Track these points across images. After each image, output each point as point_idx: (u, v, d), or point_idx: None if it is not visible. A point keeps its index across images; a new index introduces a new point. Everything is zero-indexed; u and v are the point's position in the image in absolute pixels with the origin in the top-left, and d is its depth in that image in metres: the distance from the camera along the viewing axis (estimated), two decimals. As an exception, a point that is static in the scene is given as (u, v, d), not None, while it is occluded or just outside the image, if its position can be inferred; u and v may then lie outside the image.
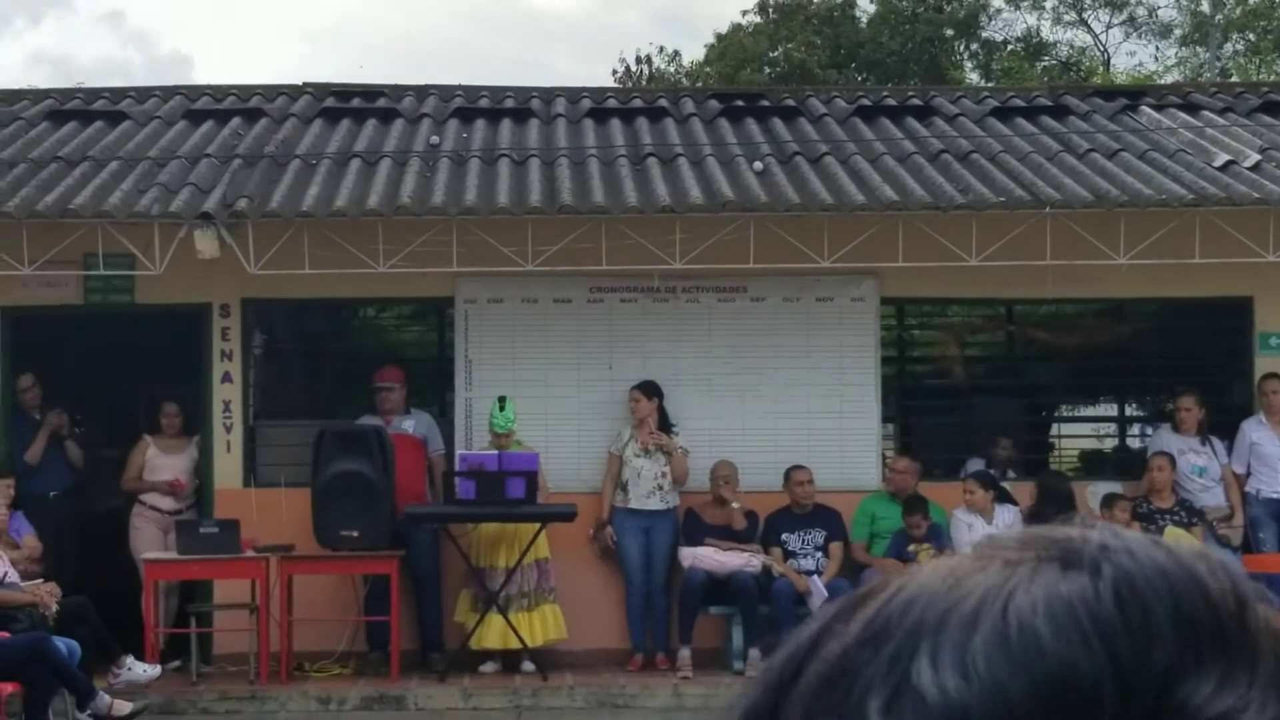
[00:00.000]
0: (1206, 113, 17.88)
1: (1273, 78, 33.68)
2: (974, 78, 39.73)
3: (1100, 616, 0.84)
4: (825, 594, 14.26)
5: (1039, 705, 0.82)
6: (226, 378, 15.92)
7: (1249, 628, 0.85)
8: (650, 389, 15.49)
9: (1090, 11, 42.26)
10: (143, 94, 18.27)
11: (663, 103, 18.18)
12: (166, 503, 15.73)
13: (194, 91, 18.36)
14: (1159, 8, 42.10)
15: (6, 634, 13.05)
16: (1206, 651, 0.83)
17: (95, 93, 18.52)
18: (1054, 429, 18.08)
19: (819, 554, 15.22)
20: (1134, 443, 17.52)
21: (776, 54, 39.54)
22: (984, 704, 0.82)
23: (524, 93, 18.42)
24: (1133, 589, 0.85)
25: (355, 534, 14.56)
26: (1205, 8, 39.43)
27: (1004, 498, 15.30)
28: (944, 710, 0.82)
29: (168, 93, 18.30)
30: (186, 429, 15.95)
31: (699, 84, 34.62)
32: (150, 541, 15.49)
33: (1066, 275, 15.25)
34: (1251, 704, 0.82)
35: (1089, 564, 0.86)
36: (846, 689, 0.85)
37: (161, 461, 15.79)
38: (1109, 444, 18.15)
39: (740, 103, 18.24)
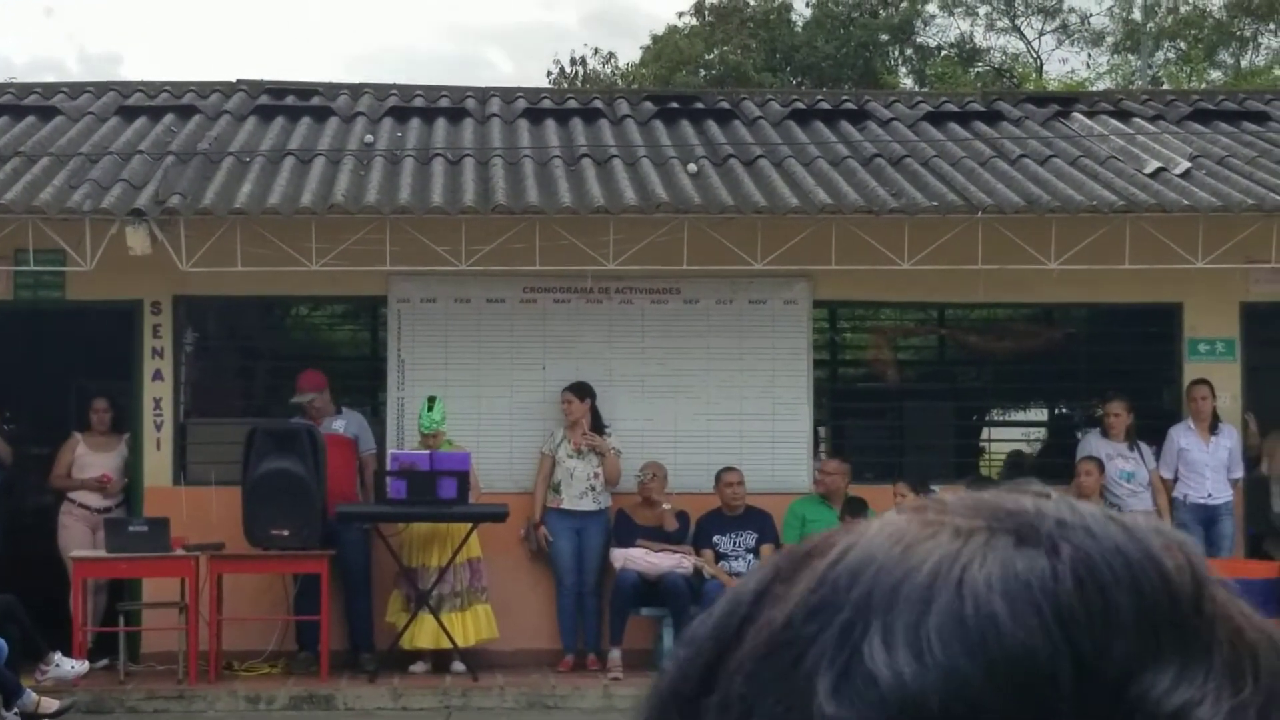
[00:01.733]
0: (1138, 120, 18.01)
1: (1204, 86, 33.93)
2: (908, 83, 39.88)
3: (1060, 601, 0.80)
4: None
5: (995, 692, 0.78)
6: (157, 375, 15.84)
7: (1205, 614, 0.82)
8: (582, 390, 15.50)
9: (1023, 18, 42.51)
10: (75, 89, 18.17)
11: (597, 104, 18.20)
12: (95, 500, 15.64)
13: (127, 88, 18.26)
14: (1091, 15, 42.45)
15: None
16: (1166, 641, 0.80)
17: (27, 88, 18.40)
18: (984, 433, 18.18)
19: (750, 556, 15.25)
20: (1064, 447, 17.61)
21: (712, 56, 39.61)
22: (939, 688, 0.78)
23: (459, 92, 18.40)
24: (1092, 572, 0.81)
25: (286, 533, 14.51)
26: (1137, 16, 39.68)
27: None
28: (898, 694, 0.78)
29: (101, 89, 18.21)
30: (116, 426, 15.86)
31: (634, 85, 34.62)
32: (79, 539, 15.39)
33: (998, 280, 15.34)
34: (1208, 696, 0.79)
35: (1046, 541, 0.82)
36: (791, 663, 0.81)
37: (91, 459, 15.70)
38: (1039, 448, 18.24)
39: (675, 105, 18.27)
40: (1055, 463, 16.86)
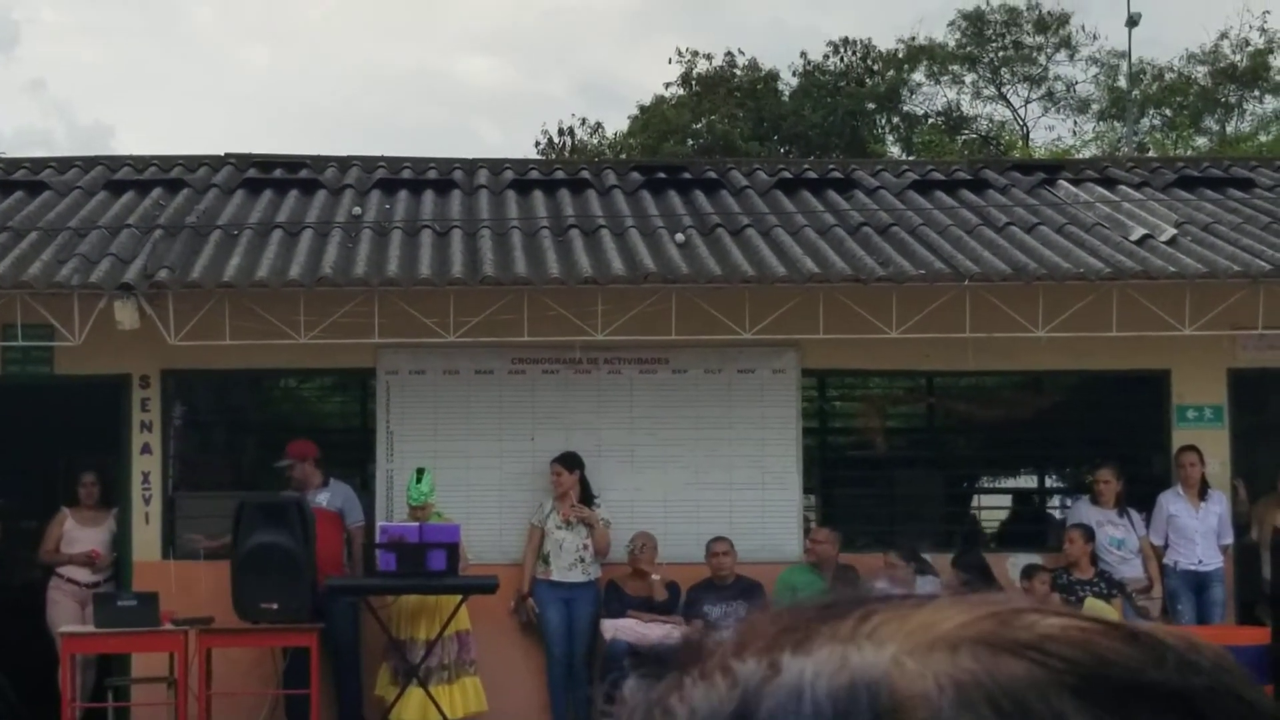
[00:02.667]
0: (1123, 187, 18.07)
1: (1189, 152, 34.04)
2: (895, 151, 40.02)
3: None
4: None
5: None
6: (146, 449, 15.81)
7: None
8: (571, 461, 15.48)
9: (1009, 86, 42.69)
10: (64, 164, 18.19)
11: (585, 174, 18.24)
12: (84, 575, 15.59)
13: (115, 162, 18.29)
14: (1077, 83, 42.57)
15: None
16: None
17: (15, 162, 18.43)
18: (974, 500, 18.16)
19: (741, 626, 15.16)
20: (1054, 514, 17.60)
21: (699, 126, 39.74)
22: None
23: (446, 164, 18.44)
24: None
25: (275, 606, 14.45)
26: (1122, 83, 39.86)
27: (924, 569, 15.34)
28: None
29: (89, 163, 18.24)
30: (105, 500, 15.83)
31: (622, 155, 34.74)
32: (68, 614, 15.33)
33: (986, 348, 15.35)
34: None
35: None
36: None
37: (79, 533, 15.66)
38: (1029, 516, 18.22)
39: (662, 174, 18.31)
40: (1038, 530, 16.90)
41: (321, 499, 15.32)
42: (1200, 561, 15.64)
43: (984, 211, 16.75)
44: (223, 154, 18.47)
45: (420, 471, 15.18)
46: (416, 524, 14.91)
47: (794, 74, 41.06)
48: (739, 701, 0.74)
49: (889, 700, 0.72)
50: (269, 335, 14.68)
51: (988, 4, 41.39)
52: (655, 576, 15.18)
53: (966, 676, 0.72)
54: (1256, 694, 0.76)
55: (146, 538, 15.79)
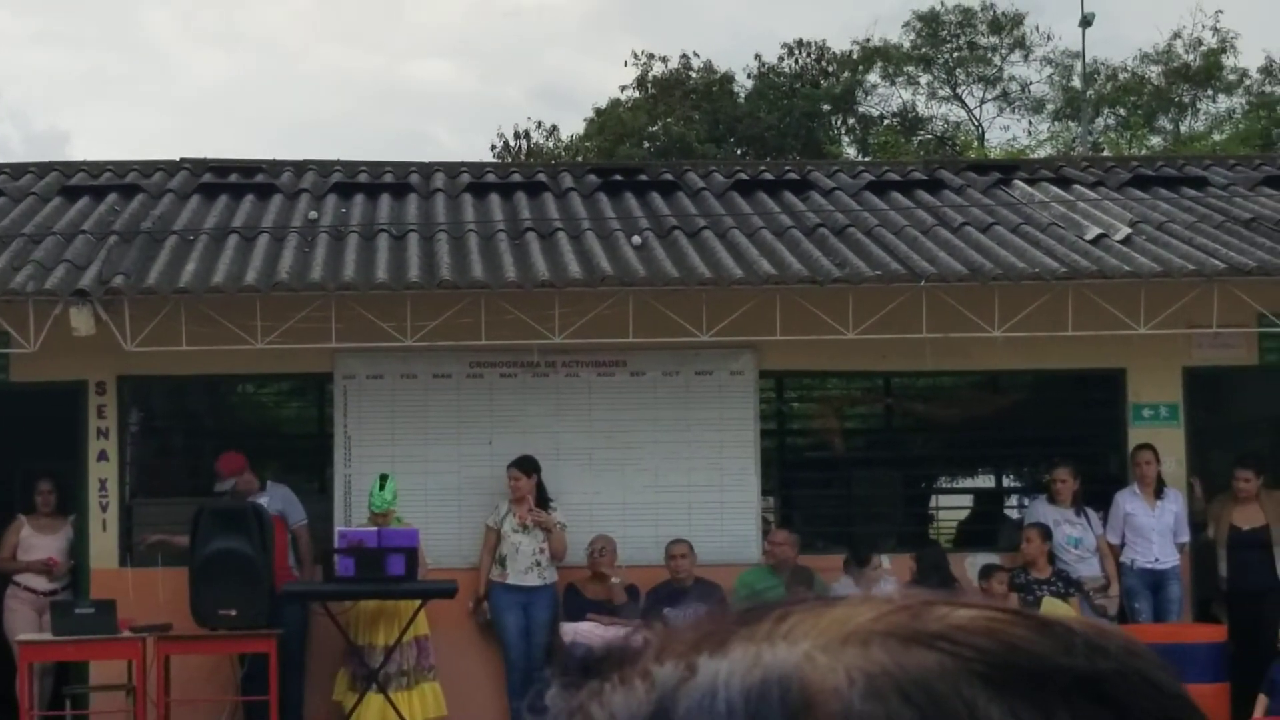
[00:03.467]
0: (1078, 186, 18.13)
1: (1144, 151, 34.18)
2: (850, 152, 40.10)
3: None
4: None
5: None
6: (102, 456, 15.76)
7: None
8: (527, 465, 15.46)
9: (964, 87, 42.80)
10: (18, 170, 18.12)
11: (541, 177, 18.24)
12: (41, 583, 15.53)
13: (70, 168, 18.22)
14: (1031, 83, 42.70)
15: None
16: None
17: (-32, 169, 18.34)
18: (932, 500, 18.21)
19: (700, 628, 15.17)
20: (1012, 514, 17.65)
21: (655, 129, 39.76)
22: None
23: (403, 168, 18.42)
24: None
25: (233, 613, 14.42)
26: (1077, 83, 39.99)
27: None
28: None
29: (43, 169, 18.17)
30: (61, 508, 15.77)
31: (578, 158, 34.73)
32: (25, 622, 15.27)
33: (943, 348, 15.38)
34: None
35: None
36: None
37: (36, 541, 15.60)
38: (987, 515, 18.28)
39: (619, 177, 18.31)
40: (994, 530, 16.96)
41: (261, 502, 15.22)
42: (1157, 560, 15.70)
43: (940, 212, 16.79)
44: (178, 159, 18.42)
45: (384, 478, 15.15)
46: (375, 529, 14.88)
47: (749, 76, 41.12)
48: (655, 704, 0.75)
49: (800, 695, 0.73)
50: (226, 340, 14.64)
51: (942, 5, 41.51)
52: (615, 579, 15.18)
53: (877, 668, 0.73)
54: (1164, 676, 0.77)
55: (104, 545, 15.73)
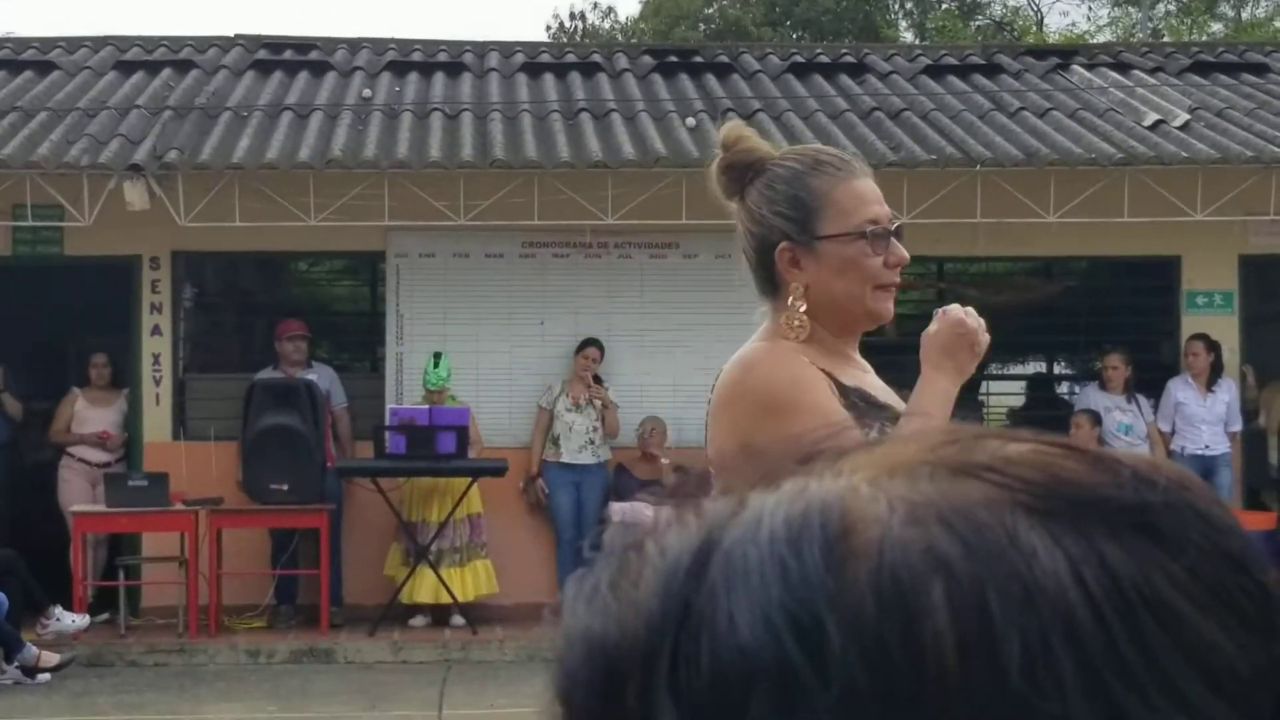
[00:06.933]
0: (1137, 72, 17.98)
1: (1204, 38, 33.84)
2: (908, 36, 39.79)
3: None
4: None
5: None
6: (156, 330, 15.84)
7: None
8: (600, 348, 15.52)
9: (1024, -30, 42.37)
10: (73, 44, 18.11)
11: (596, 58, 18.15)
12: (95, 455, 15.66)
13: (124, 42, 18.21)
14: (1092, -32, 42.25)
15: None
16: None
17: (24, 42, 18.35)
18: (983, 387, 18.18)
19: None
20: (1063, 400, 17.62)
21: (711, 10, 39.50)
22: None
23: (457, 47, 18.35)
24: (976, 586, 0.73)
25: (285, 487, 14.54)
26: (1138, -32, 39.54)
27: None
28: None
29: (98, 43, 18.16)
30: (116, 381, 15.88)
31: (633, 40, 34.55)
32: (79, 494, 15.42)
33: (997, 233, 15.32)
34: None
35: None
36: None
37: (90, 414, 15.72)
38: (1037, 402, 18.25)
39: (674, 59, 18.22)
40: (1050, 416, 16.90)
41: (309, 379, 15.27)
42: (1207, 447, 15.68)
43: (997, 96, 16.68)
44: (232, 35, 18.39)
45: (437, 355, 15.21)
46: (426, 407, 14.96)
47: (807, -42, 40.75)
48: (704, 537, 0.76)
49: (840, 522, 0.74)
50: (279, 217, 14.68)
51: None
52: (664, 460, 15.24)
53: (920, 497, 0.74)
54: (1216, 510, 0.77)
55: (157, 419, 15.85)
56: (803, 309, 3.61)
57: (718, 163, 3.73)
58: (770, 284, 3.71)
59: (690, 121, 15.66)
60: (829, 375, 3.55)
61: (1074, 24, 41.95)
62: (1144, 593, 0.72)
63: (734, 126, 3.82)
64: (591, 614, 0.78)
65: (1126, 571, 0.72)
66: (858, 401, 3.53)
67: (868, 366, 3.76)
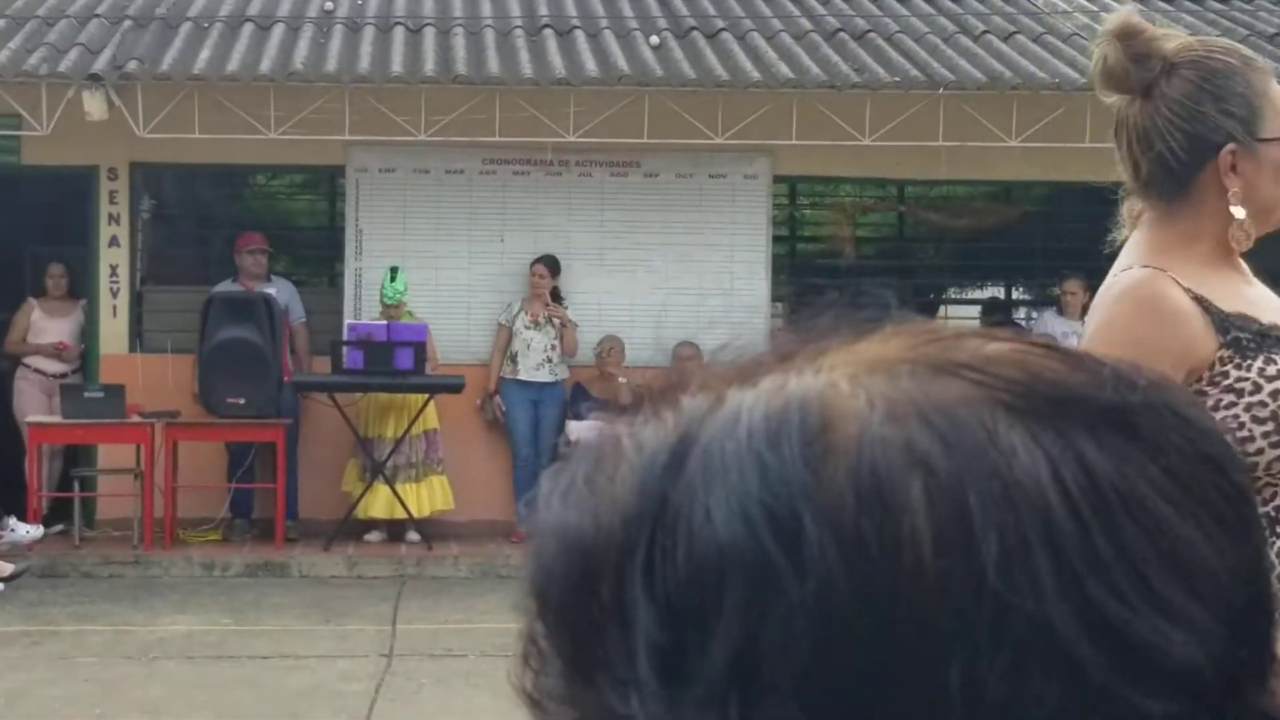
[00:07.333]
0: (1102, -1, 17.95)
1: (1169, -34, 33.81)
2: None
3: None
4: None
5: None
6: (114, 242, 15.77)
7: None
8: (553, 264, 15.50)
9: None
10: (31, -49, 17.92)
11: (560, -26, 18.04)
12: (51, 366, 15.61)
13: (84, -50, 18.02)
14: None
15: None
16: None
17: (-18, -51, 18.16)
18: (940, 310, 18.22)
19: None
20: (1021, 325, 17.67)
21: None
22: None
23: (420, -40, 18.21)
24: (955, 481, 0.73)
25: (242, 401, 14.52)
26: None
27: None
28: None
29: (57, -49, 17.97)
30: (72, 292, 15.80)
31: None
32: (34, 404, 15.37)
33: (958, 157, 15.32)
34: None
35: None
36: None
37: (47, 324, 15.65)
38: (995, 327, 18.29)
39: (638, -24, 18.12)
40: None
41: (269, 293, 15.23)
42: (1162, 374, 15.72)
43: (961, 20, 16.65)
44: (193, -55, 18.20)
45: (394, 270, 15.19)
46: (384, 322, 14.95)
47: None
48: (681, 432, 0.76)
49: (819, 418, 0.73)
50: (239, 130, 14.60)
51: None
52: (621, 380, 15.25)
53: (899, 395, 0.74)
54: (1196, 411, 0.77)
55: (114, 331, 15.79)
56: (1244, 216, 3.27)
57: (1121, 52, 3.43)
58: (1181, 187, 3.34)
59: (654, 40, 15.61)
60: (1204, 304, 3.25)
61: (1040, -50, 41.82)
62: (1121, 492, 0.72)
63: (1129, 13, 3.51)
64: (567, 508, 0.78)
65: (1104, 471, 0.72)
66: (1239, 333, 3.23)
67: (1252, 277, 3.41)
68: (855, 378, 0.75)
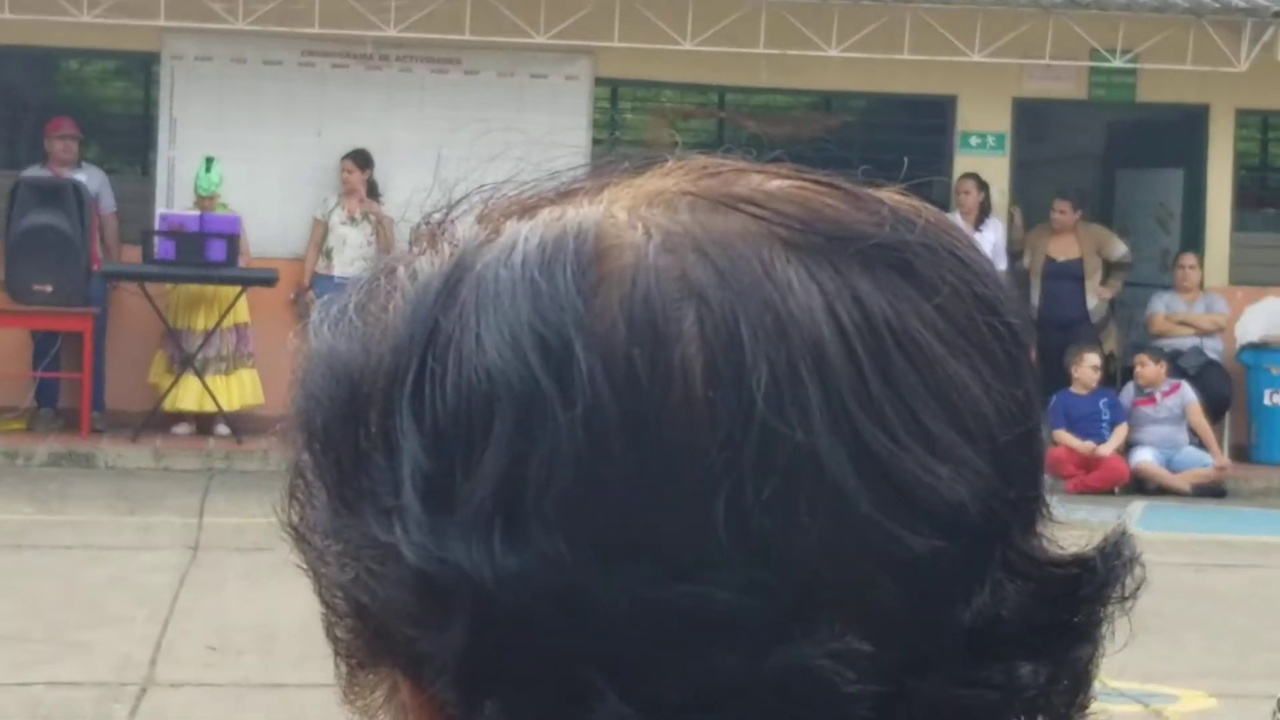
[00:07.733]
0: (925, -89, 18.04)
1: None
2: None
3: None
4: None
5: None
6: (-82, 123, 15.43)
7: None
8: (362, 159, 15.37)
9: None
10: None
11: None
12: None
13: None
14: None
15: None
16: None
17: None
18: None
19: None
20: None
21: None
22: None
23: None
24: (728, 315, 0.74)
25: (49, 289, 14.29)
26: None
27: None
28: None
29: None
30: (-125, 174, 15.46)
31: None
32: None
33: (779, 65, 15.37)
34: None
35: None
36: None
37: None
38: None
39: None
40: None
41: (79, 180, 14.97)
42: (971, 284, 15.94)
43: (785, -73, 16.66)
44: None
45: (209, 160, 14.99)
46: (197, 213, 14.77)
47: None
48: (455, 261, 0.76)
49: (594, 246, 0.73)
50: (50, 10, 14.31)
51: None
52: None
53: (677, 226, 0.74)
54: (973, 254, 0.78)
55: (-82, 214, 15.46)
56: None
57: None
58: None
59: (477, -64, 15.48)
60: None
61: None
62: (894, 329, 0.72)
63: None
64: (337, 336, 0.77)
65: (878, 307, 0.72)
66: None
67: None
68: (634, 209, 0.75)
